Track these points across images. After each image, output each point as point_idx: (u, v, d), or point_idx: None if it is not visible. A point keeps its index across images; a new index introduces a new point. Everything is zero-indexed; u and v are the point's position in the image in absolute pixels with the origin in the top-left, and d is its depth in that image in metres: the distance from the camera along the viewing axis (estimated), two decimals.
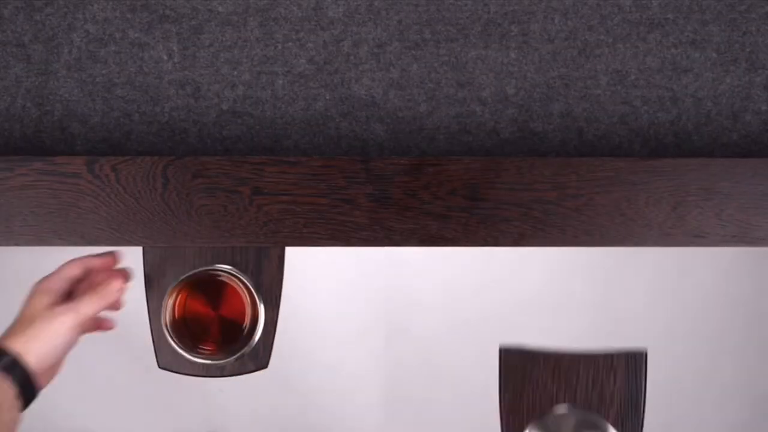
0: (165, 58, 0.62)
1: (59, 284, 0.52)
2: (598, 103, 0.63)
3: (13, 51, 0.62)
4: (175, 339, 0.59)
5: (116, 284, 0.52)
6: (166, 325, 0.59)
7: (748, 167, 0.59)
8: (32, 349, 0.47)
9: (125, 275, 0.55)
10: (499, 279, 1.25)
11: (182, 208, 0.60)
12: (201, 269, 0.61)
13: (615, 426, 0.65)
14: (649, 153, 0.63)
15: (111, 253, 0.56)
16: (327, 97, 0.63)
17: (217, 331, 0.62)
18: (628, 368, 0.68)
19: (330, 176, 0.59)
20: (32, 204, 0.60)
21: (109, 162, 0.59)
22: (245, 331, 0.61)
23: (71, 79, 0.62)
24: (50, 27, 0.62)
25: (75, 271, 0.53)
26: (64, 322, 0.49)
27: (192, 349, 0.59)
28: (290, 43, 0.62)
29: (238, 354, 0.60)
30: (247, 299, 0.61)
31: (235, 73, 0.62)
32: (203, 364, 0.61)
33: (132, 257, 0.60)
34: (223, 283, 0.62)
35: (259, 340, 0.61)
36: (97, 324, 0.56)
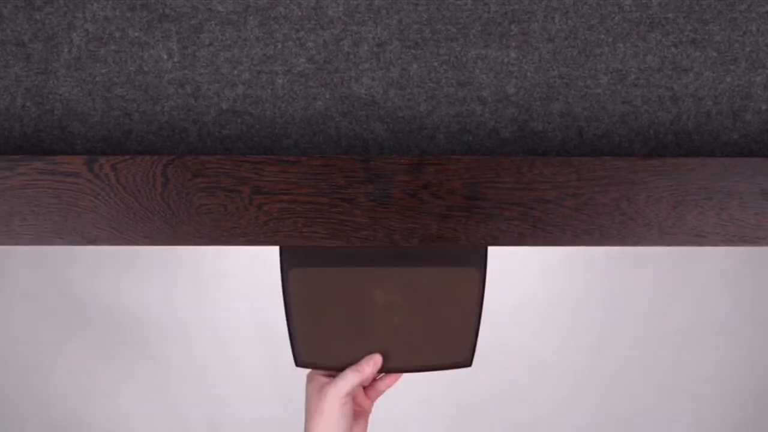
0: (165, 57, 0.62)
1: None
2: (598, 102, 0.63)
3: (13, 50, 0.62)
4: None
5: (373, 362, 0.66)
6: None
7: (749, 167, 0.59)
8: (316, 426, 0.63)
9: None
10: (497, 279, 1.25)
11: (182, 208, 0.60)
12: None
13: None
14: (649, 152, 0.63)
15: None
16: (327, 97, 0.63)
17: None
18: None
19: (330, 175, 0.59)
20: (32, 203, 0.60)
21: (109, 161, 0.59)
22: None
23: (71, 78, 0.62)
24: (50, 26, 0.62)
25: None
26: (330, 398, 0.63)
27: None
28: (290, 42, 0.62)
29: None
30: None
31: (235, 72, 0.62)
32: None
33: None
34: None
35: None
36: (370, 394, 0.70)
